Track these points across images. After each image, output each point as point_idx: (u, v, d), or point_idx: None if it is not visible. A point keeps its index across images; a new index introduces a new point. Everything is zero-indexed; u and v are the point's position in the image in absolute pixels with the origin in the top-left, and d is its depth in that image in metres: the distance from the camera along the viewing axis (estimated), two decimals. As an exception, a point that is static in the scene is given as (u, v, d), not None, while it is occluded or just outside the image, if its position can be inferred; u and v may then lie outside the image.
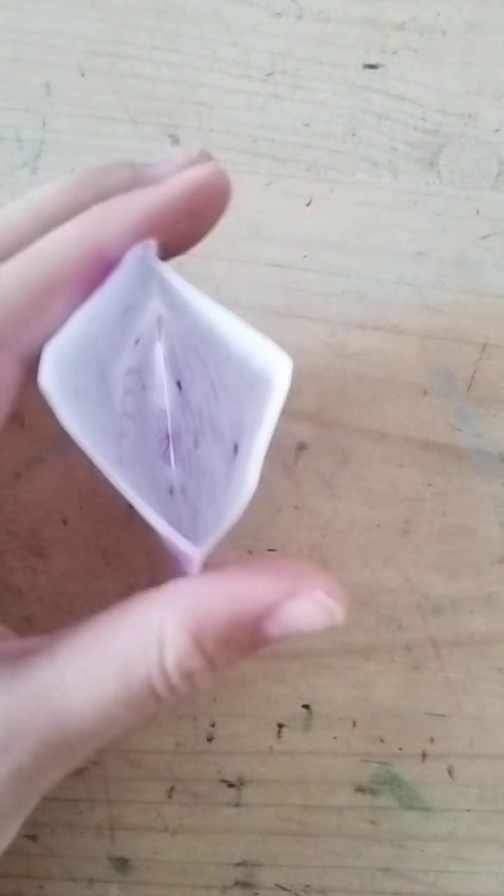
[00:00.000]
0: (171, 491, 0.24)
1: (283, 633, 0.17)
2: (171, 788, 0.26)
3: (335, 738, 0.26)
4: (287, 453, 0.26)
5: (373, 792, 0.26)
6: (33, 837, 0.25)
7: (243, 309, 0.27)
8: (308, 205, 0.27)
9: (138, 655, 0.17)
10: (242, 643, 0.17)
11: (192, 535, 0.17)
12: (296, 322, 0.27)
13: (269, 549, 0.26)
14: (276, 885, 0.26)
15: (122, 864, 0.25)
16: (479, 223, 0.27)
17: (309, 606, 0.17)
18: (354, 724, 0.26)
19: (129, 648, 0.17)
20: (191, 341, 0.21)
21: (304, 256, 0.27)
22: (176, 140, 0.27)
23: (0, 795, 0.17)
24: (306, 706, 0.26)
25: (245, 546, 0.26)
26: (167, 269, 0.18)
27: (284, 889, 0.26)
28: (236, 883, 0.25)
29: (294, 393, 0.27)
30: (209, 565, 0.18)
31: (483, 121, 0.28)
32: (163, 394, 0.24)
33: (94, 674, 0.17)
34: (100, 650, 0.17)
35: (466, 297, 0.27)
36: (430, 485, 0.27)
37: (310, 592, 0.17)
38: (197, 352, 0.21)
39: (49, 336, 0.17)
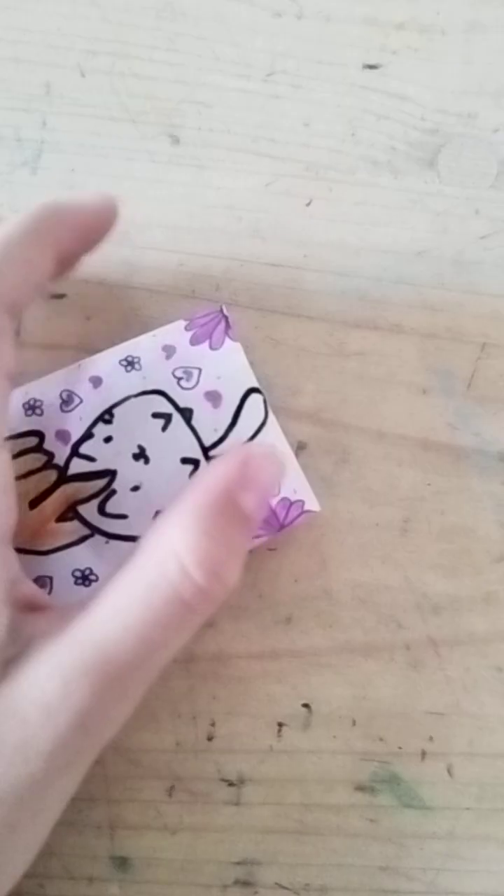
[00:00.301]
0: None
1: (258, 499, 0.20)
2: (171, 787, 0.26)
3: (335, 736, 0.26)
4: (287, 453, 0.26)
5: (372, 791, 0.26)
6: (33, 836, 0.25)
7: (243, 308, 0.27)
8: (308, 204, 0.27)
9: (159, 575, 0.19)
10: (238, 521, 0.20)
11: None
12: (296, 322, 0.27)
13: (270, 549, 0.26)
14: (276, 883, 0.26)
15: (122, 863, 0.25)
16: (478, 223, 0.27)
17: (260, 464, 0.20)
18: (354, 722, 0.26)
19: (149, 575, 0.19)
20: None
21: (304, 256, 0.27)
22: (176, 140, 0.27)
23: (65, 746, 0.18)
24: (306, 705, 0.26)
25: (245, 545, 0.26)
26: None
27: (284, 888, 0.26)
28: (236, 881, 0.26)
29: (294, 392, 0.27)
30: None
31: (483, 120, 0.28)
32: None
33: (121, 605, 0.19)
34: (124, 587, 0.19)
35: (466, 296, 0.27)
36: (429, 484, 0.27)
37: (249, 455, 0.20)
38: None
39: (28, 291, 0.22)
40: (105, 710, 0.18)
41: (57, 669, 0.18)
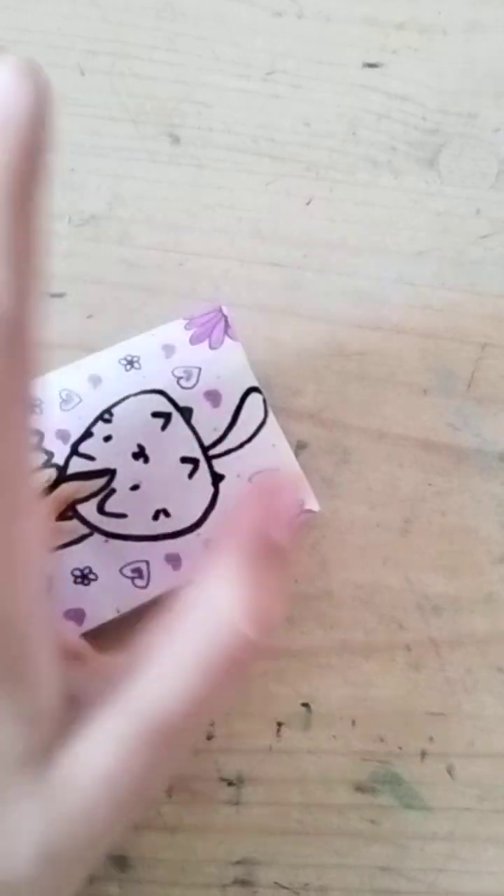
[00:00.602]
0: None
1: (287, 529, 0.20)
2: (171, 787, 0.26)
3: (335, 736, 0.26)
4: (287, 452, 0.26)
5: (372, 791, 0.26)
6: (33, 836, 0.25)
7: (244, 308, 0.27)
8: (308, 204, 0.27)
9: (212, 643, 0.18)
10: (277, 559, 0.19)
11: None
12: (296, 322, 0.27)
13: (269, 549, 0.26)
14: (276, 883, 0.26)
15: (121, 862, 0.25)
16: (478, 223, 0.27)
17: (280, 493, 0.21)
18: (354, 722, 0.26)
19: (200, 643, 0.18)
20: None
21: (304, 256, 0.27)
22: (176, 140, 0.27)
23: (125, 811, 0.18)
24: (306, 705, 0.26)
25: (245, 545, 0.26)
26: None
27: (284, 887, 0.26)
28: (235, 881, 0.25)
29: (294, 392, 0.27)
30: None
31: (483, 120, 0.28)
32: None
33: (175, 676, 0.18)
34: (176, 657, 0.19)
35: (466, 296, 0.27)
36: (429, 484, 0.27)
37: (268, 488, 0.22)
38: None
39: None
40: (161, 772, 0.19)
41: (114, 742, 0.18)
